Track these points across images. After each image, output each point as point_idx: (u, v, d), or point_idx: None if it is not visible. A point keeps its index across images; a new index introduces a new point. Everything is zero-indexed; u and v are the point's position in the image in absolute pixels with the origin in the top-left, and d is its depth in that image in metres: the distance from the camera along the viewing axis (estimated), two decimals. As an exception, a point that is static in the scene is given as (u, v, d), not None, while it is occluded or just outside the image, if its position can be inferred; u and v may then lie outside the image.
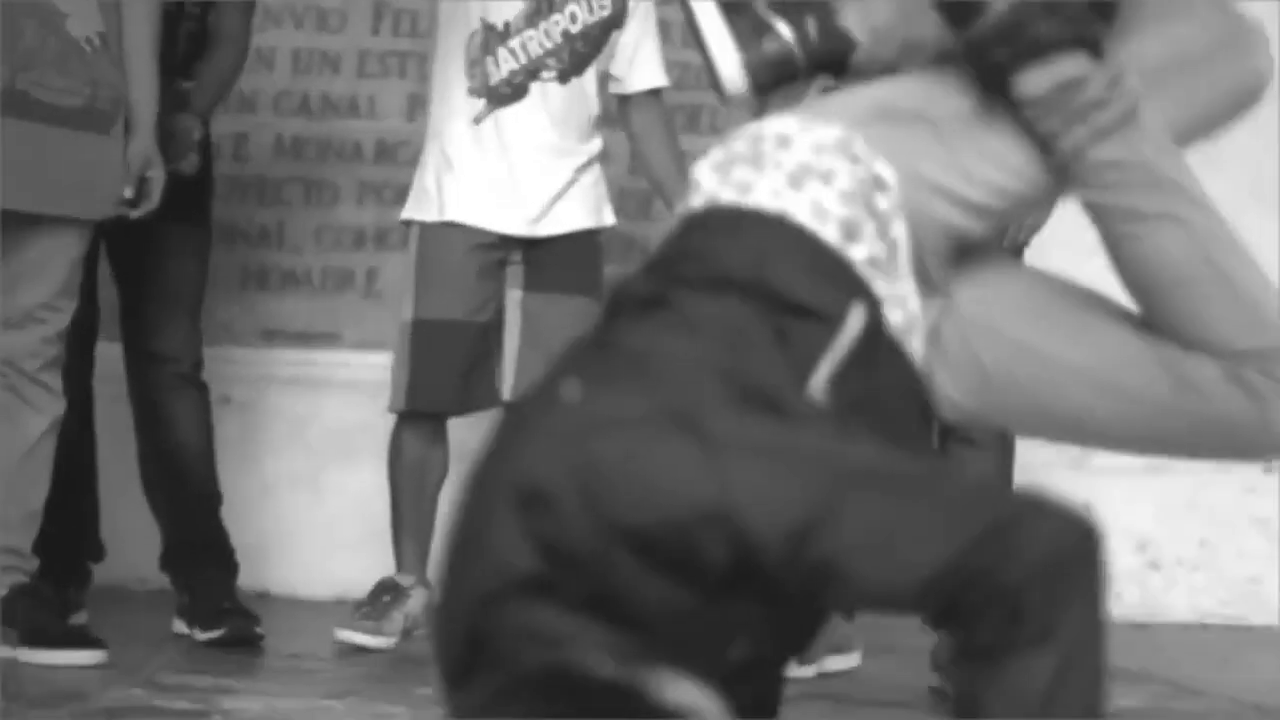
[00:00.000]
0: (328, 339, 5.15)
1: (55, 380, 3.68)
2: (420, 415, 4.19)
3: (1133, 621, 5.12)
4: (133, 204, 3.77)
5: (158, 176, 3.79)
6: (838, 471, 1.75)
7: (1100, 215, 2.15)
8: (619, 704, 1.62)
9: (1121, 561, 5.16)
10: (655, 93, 4.33)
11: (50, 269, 3.65)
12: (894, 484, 1.75)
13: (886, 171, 2.06)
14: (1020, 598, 1.68)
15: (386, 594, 4.18)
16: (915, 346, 2.10)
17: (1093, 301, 2.22)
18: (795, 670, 3.88)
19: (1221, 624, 5.17)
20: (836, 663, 4.03)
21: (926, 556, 1.70)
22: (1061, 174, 2.15)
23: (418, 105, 4.79)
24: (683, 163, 4.16)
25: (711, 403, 1.82)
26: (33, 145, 3.57)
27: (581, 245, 4.22)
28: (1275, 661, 4.42)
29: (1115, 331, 2.18)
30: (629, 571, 1.73)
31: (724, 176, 2.11)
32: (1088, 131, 2.11)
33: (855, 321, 2.01)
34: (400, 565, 4.20)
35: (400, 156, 4.91)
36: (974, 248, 2.21)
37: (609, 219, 4.30)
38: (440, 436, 4.21)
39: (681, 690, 1.67)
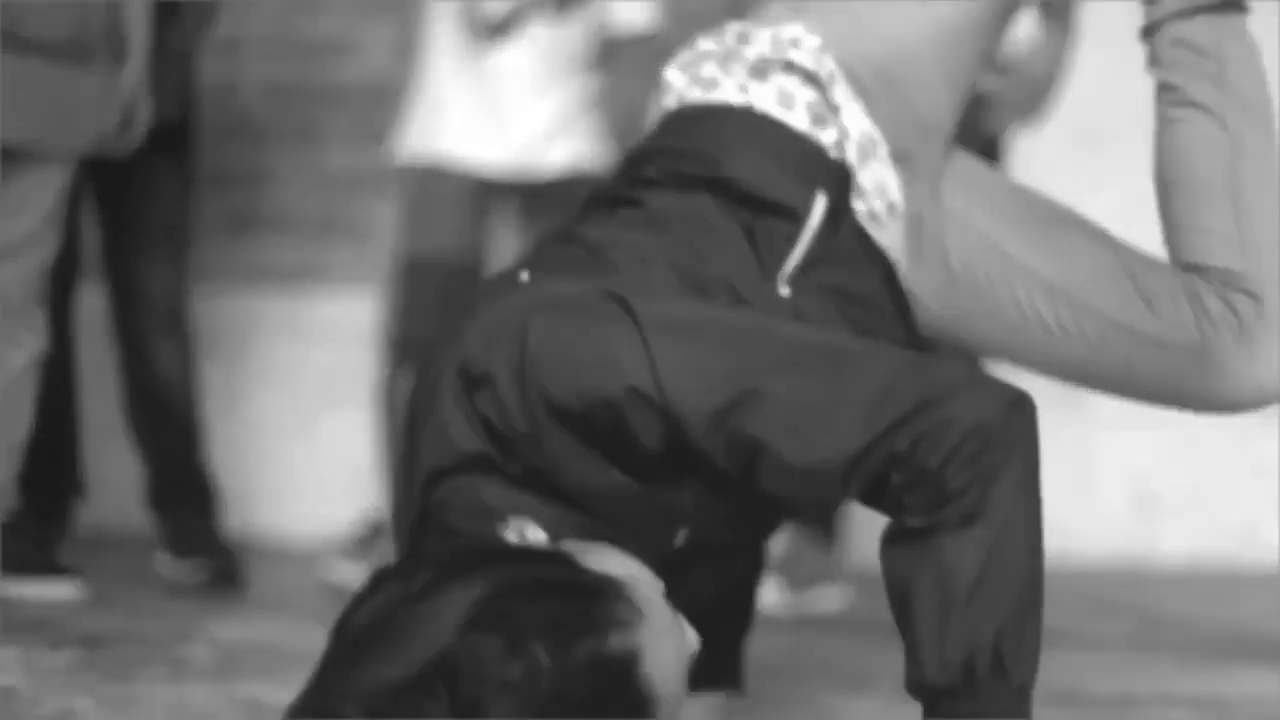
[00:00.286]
0: (316, 282, 5.14)
1: (38, 316, 3.67)
2: (407, 355, 4.18)
3: (1128, 563, 5.11)
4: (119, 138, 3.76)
5: (144, 112, 3.78)
6: (768, 352, 1.76)
7: (1159, 92, 2.15)
8: (552, 574, 1.62)
9: (1118, 504, 5.16)
10: (642, 36, 4.31)
11: (33, 202, 3.63)
12: (823, 364, 1.75)
13: (835, 67, 2.08)
14: (945, 477, 1.67)
15: (373, 531, 4.18)
16: (893, 233, 2.10)
17: (1068, 217, 2.22)
18: (780, 597, 3.88)
19: (1216, 566, 5.16)
20: (823, 594, 4.02)
21: (848, 435, 1.70)
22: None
23: (406, 46, 4.78)
24: None
25: (653, 287, 1.83)
26: (18, 77, 3.55)
27: (575, 186, 4.21)
28: (1266, 599, 4.42)
29: (1083, 244, 2.17)
30: (563, 448, 1.74)
31: (692, 75, 2.13)
32: (1179, 3, 2.12)
33: (819, 211, 2.01)
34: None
35: (389, 98, 4.90)
36: (958, 146, 2.21)
37: (602, 159, 4.29)
38: None
39: (613, 561, 1.68)
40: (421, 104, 4.23)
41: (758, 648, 3.05)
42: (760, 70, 2.08)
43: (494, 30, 4.14)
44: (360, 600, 1.63)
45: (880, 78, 2.10)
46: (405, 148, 4.25)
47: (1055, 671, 3.06)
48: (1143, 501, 5.25)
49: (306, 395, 5.07)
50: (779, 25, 2.12)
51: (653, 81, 4.17)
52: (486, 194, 4.19)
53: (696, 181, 2.01)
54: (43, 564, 3.74)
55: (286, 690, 2.50)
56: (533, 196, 4.22)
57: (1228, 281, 2.10)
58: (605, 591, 1.62)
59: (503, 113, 4.16)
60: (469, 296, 4.15)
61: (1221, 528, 5.24)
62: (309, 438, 5.06)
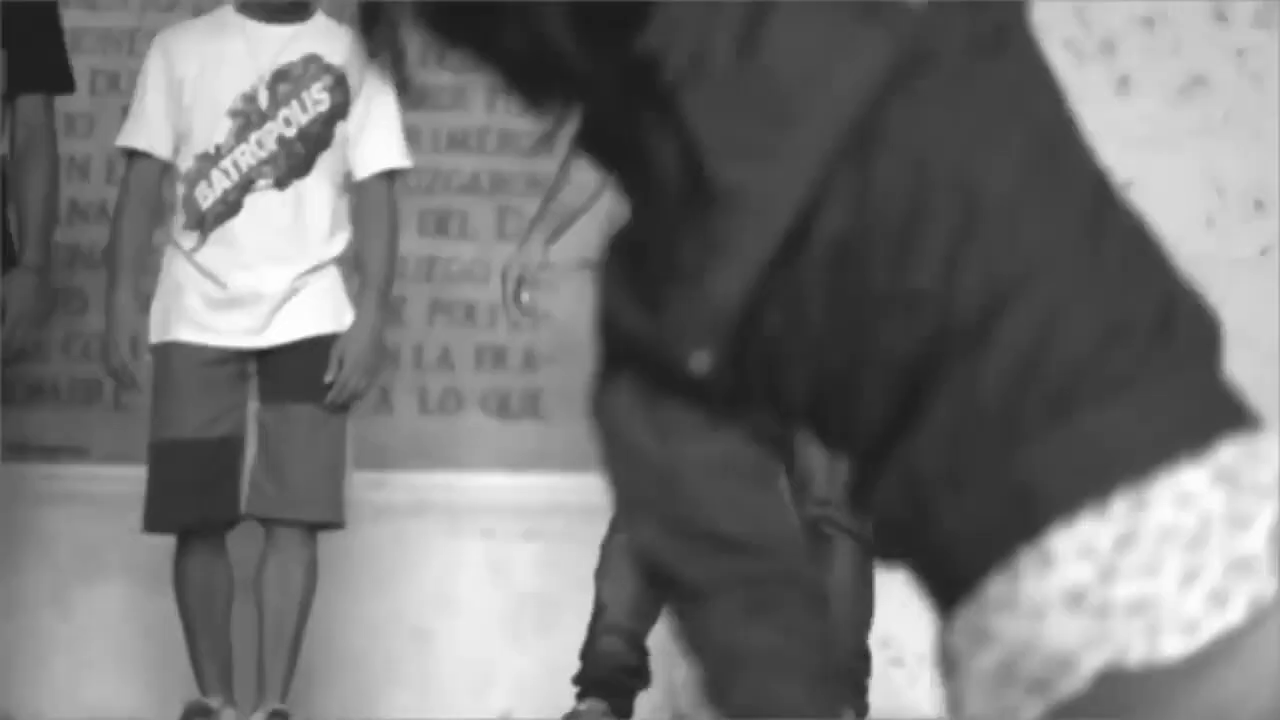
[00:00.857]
0: (75, 453, 5.09)
1: None
2: (195, 536, 4.18)
3: None
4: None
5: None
6: None
7: None
8: None
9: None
10: (385, 175, 4.32)
11: None
12: None
13: None
14: None
15: (197, 717, 4.14)
16: None
17: None
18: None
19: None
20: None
21: None
22: None
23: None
24: (394, 256, 4.29)
25: None
26: None
27: (311, 352, 4.21)
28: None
29: None
30: None
31: None
32: None
33: None
34: (204, 689, 4.18)
35: (148, 266, 4.89)
36: None
37: (347, 321, 4.28)
38: (220, 554, 4.20)
39: None
40: (162, 288, 4.27)
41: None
42: None
43: (215, 215, 4.17)
44: None
45: None
46: (152, 329, 4.28)
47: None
48: (890, 656, 5.37)
49: (64, 567, 5.00)
50: None
51: (379, 222, 4.18)
52: (233, 366, 4.20)
53: None
54: None
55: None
56: (269, 360, 4.23)
57: None
58: None
59: (235, 286, 4.17)
60: (219, 472, 4.13)
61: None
62: (68, 611, 4.98)
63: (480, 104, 5.18)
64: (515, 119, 5.21)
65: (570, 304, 5.22)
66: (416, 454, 5.19)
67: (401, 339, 5.18)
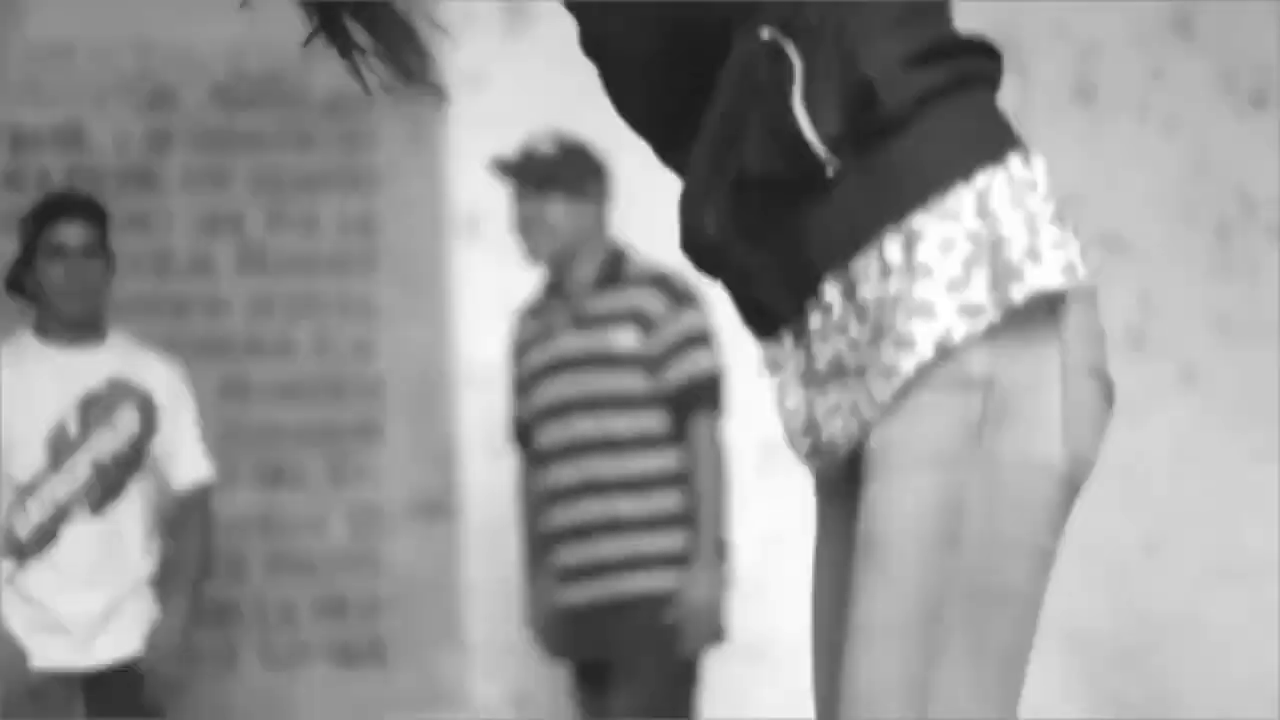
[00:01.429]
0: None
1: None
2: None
3: None
4: None
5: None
6: None
7: None
8: None
9: None
10: (202, 489, 4.39)
11: None
12: None
13: None
14: None
15: None
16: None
17: None
18: None
19: None
20: None
21: None
22: None
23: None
24: (208, 558, 4.40)
25: None
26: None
27: (129, 673, 4.27)
28: None
29: None
30: None
31: None
32: None
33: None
34: None
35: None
36: None
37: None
38: None
39: None
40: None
41: None
42: None
43: (31, 545, 4.18)
44: None
45: None
46: None
47: None
48: None
49: None
50: None
51: (197, 537, 4.20)
52: (60, 691, 4.22)
53: None
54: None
55: None
56: (94, 684, 4.25)
57: None
58: None
59: (52, 613, 4.21)
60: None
61: None
62: None
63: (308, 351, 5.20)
64: (342, 365, 5.22)
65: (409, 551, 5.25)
66: (263, 711, 5.19)
67: (241, 595, 5.19)
